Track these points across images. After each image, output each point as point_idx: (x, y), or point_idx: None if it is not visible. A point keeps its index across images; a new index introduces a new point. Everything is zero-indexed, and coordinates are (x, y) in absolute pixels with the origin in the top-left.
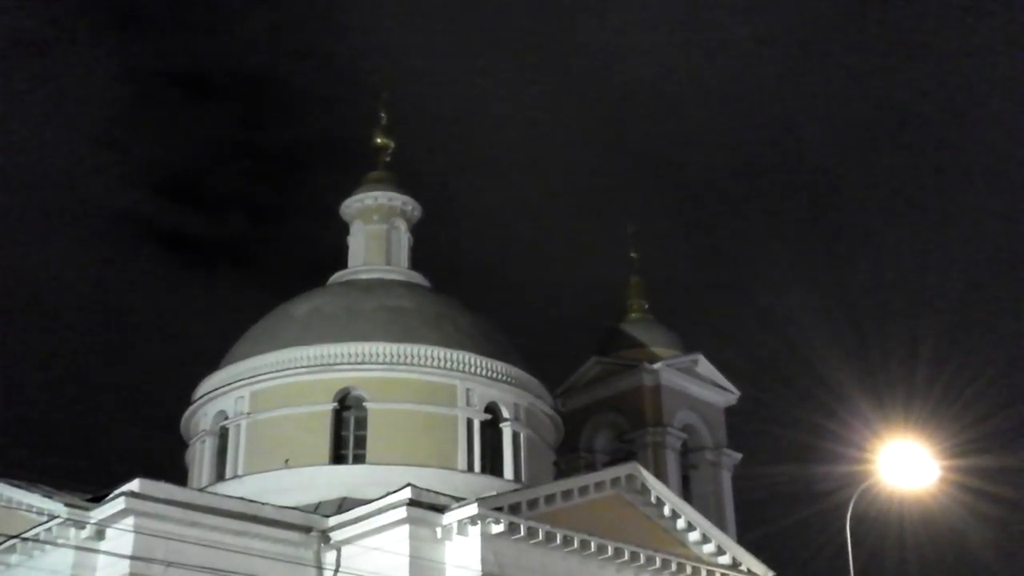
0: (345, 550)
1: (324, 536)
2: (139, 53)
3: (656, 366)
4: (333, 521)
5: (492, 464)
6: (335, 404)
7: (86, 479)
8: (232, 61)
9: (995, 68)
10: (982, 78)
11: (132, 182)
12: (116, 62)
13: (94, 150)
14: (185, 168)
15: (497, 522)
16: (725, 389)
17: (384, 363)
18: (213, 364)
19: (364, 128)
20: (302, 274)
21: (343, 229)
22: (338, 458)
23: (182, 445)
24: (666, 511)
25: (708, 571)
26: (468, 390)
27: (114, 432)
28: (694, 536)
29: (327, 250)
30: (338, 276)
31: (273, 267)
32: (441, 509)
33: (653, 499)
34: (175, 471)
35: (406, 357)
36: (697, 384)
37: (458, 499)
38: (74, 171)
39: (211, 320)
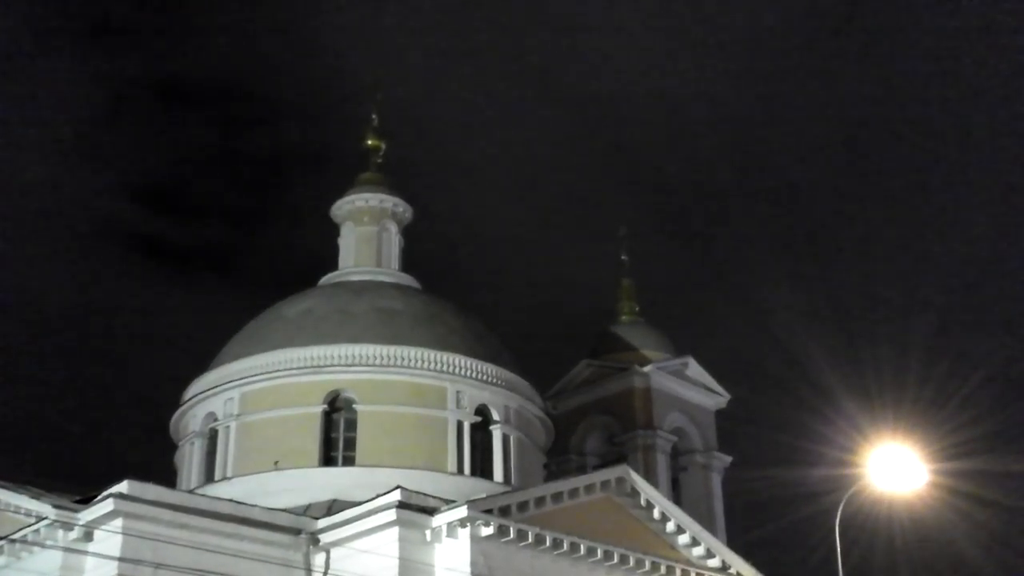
0: (334, 552)
1: (313, 538)
2: (116, 61)
3: (646, 369)
4: (322, 523)
5: (482, 466)
6: (325, 406)
7: (74, 481)
8: (210, 68)
9: (984, 71)
10: (971, 80)
11: (111, 190)
12: (94, 70)
13: (73, 159)
14: (164, 176)
15: (487, 524)
16: (715, 392)
17: (374, 365)
18: (195, 369)
19: (344, 133)
20: (283, 279)
21: (322, 234)
22: (328, 460)
23: (171, 447)
24: (656, 514)
25: (697, 574)
26: (458, 392)
27: (102, 435)
28: (684, 539)
29: (307, 255)
30: (329, 278)
31: (254, 273)
32: (431, 511)
33: (643, 502)
34: (164, 473)
35: (396, 359)
36: (687, 387)
37: (448, 501)
38: (54, 180)
39: (193, 325)
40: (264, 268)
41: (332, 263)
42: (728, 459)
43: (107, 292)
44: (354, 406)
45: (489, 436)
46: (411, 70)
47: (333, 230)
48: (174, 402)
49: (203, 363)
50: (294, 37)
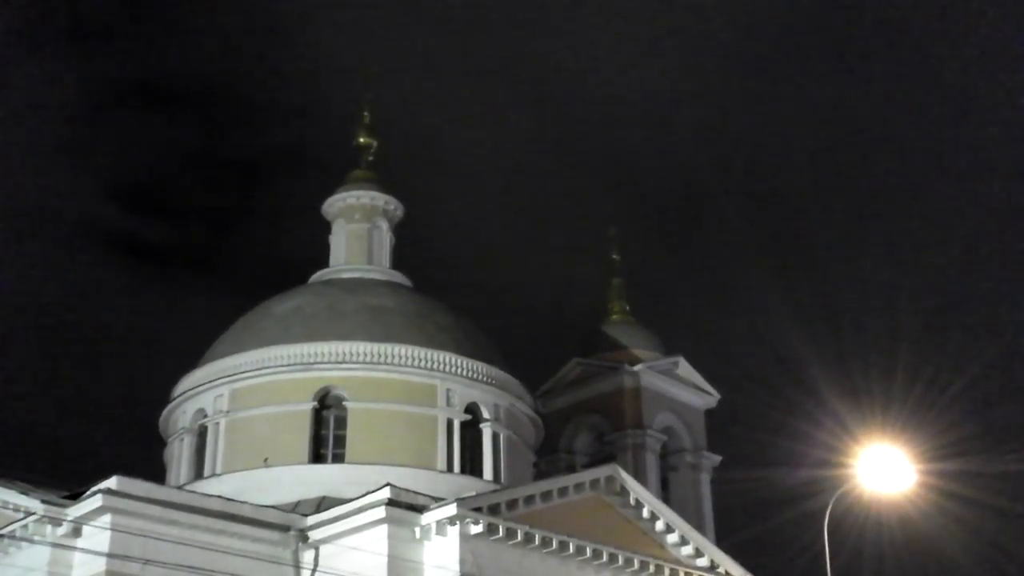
0: (323, 549)
1: (302, 535)
2: (98, 61)
3: (636, 368)
4: (312, 520)
5: (472, 465)
6: (315, 403)
7: (63, 477)
8: (190, 70)
9: (974, 72)
10: (960, 82)
11: (93, 191)
12: (75, 71)
13: (54, 160)
14: (146, 176)
15: (476, 523)
16: (705, 392)
17: (364, 362)
18: (181, 366)
19: (329, 133)
20: (266, 278)
21: (306, 233)
22: (317, 457)
23: (160, 444)
24: (645, 513)
25: (686, 573)
26: (448, 390)
27: (91, 431)
28: (673, 538)
29: (290, 254)
30: (319, 275)
31: (237, 272)
32: (420, 509)
33: (632, 501)
34: (153, 470)
35: (387, 357)
36: (677, 386)
37: (437, 499)
38: (36, 180)
39: (177, 325)
40: (247, 267)
41: (318, 261)
42: (717, 459)
43: (90, 291)
44: (344, 403)
45: (479, 434)
46: (400, 69)
47: (318, 229)
48: (163, 399)
49: (188, 361)
50: (278, 36)
